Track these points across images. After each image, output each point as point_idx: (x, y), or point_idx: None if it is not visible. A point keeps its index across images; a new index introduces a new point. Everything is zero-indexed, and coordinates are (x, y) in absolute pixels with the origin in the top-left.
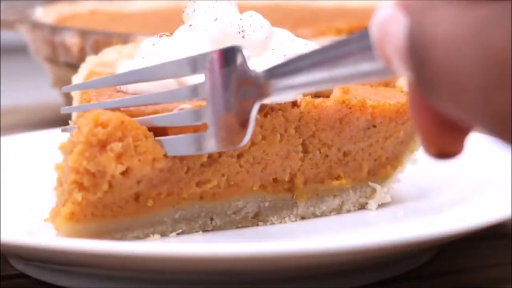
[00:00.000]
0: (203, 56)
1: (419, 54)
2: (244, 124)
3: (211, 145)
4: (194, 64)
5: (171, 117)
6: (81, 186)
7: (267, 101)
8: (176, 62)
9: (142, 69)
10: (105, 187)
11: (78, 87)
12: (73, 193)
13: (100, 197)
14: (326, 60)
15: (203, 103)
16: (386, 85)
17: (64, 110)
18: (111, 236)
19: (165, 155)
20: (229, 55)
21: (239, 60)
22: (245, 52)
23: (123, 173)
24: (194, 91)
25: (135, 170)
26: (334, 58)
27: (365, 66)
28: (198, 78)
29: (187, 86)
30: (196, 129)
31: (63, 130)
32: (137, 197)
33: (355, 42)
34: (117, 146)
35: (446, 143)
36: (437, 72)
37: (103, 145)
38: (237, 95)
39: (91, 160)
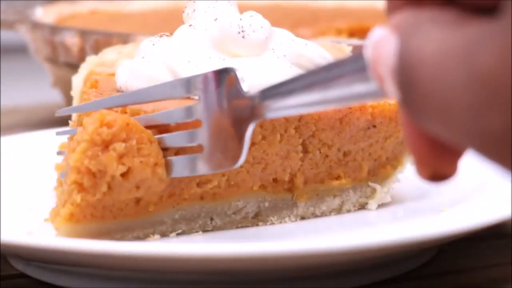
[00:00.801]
0: (197, 77)
1: (406, 74)
2: (238, 145)
3: (206, 166)
4: (188, 85)
5: (169, 137)
6: (80, 187)
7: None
8: (170, 83)
9: (137, 91)
10: (104, 188)
11: (73, 110)
12: (73, 194)
13: (99, 199)
14: (320, 82)
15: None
16: None
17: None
18: (111, 237)
19: None
20: (222, 76)
21: (232, 81)
22: (238, 73)
23: (123, 175)
24: (189, 111)
25: (135, 171)
26: (328, 80)
27: (359, 88)
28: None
29: (181, 107)
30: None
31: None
32: (137, 201)
33: (349, 64)
34: (120, 146)
35: (439, 166)
36: (424, 91)
37: (106, 145)
38: (231, 116)
39: (93, 159)
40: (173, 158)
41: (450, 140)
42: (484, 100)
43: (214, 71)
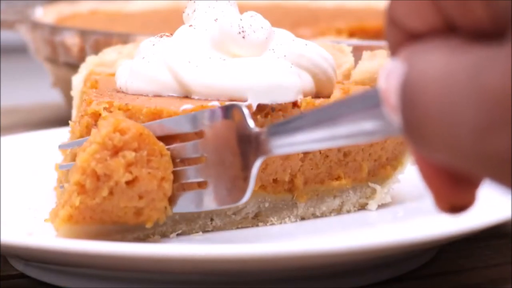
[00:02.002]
0: (203, 113)
1: (409, 98)
2: (244, 181)
3: (210, 203)
4: (194, 120)
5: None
6: (81, 189)
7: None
8: (175, 120)
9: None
10: (105, 192)
11: (73, 144)
12: (72, 196)
13: (98, 203)
14: (328, 119)
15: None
16: None
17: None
18: (111, 237)
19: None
20: (229, 112)
21: (239, 117)
22: (245, 109)
23: (128, 183)
24: (195, 147)
25: (141, 181)
26: (336, 117)
27: (368, 125)
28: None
29: (188, 143)
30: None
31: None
32: (137, 214)
33: (358, 100)
34: (130, 155)
35: (457, 198)
36: (427, 114)
37: (116, 151)
38: (237, 152)
39: (100, 162)
40: (177, 194)
41: (456, 167)
42: (489, 121)
43: (221, 106)
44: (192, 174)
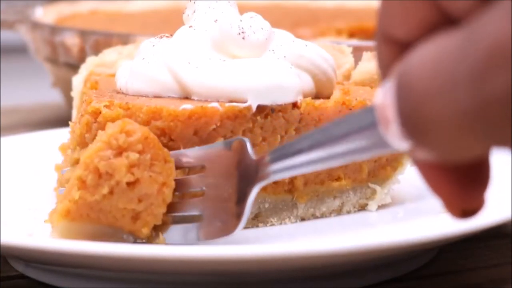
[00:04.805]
0: (206, 147)
1: (403, 91)
2: (239, 211)
3: (201, 236)
4: (196, 155)
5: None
6: (82, 184)
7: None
8: (180, 152)
9: None
10: (105, 190)
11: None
12: (72, 190)
13: (97, 200)
14: (327, 139)
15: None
16: None
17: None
18: (107, 239)
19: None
20: (231, 145)
21: (242, 148)
22: (247, 141)
23: (129, 184)
24: (195, 181)
25: (142, 184)
26: (335, 137)
27: (366, 142)
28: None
29: (190, 176)
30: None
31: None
32: (134, 219)
33: (354, 119)
34: (133, 156)
35: (467, 203)
36: (424, 96)
37: (120, 151)
38: (235, 183)
39: (104, 160)
40: (172, 226)
41: (457, 155)
42: (485, 64)
43: (224, 141)
44: (188, 207)
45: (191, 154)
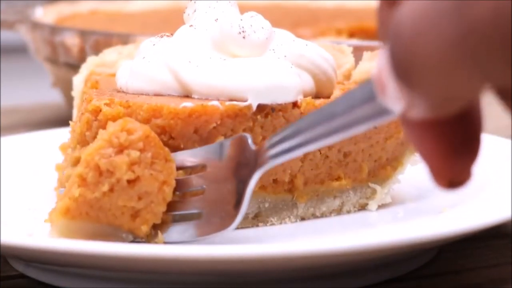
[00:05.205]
0: (212, 146)
1: (395, 34)
2: (238, 202)
3: (203, 232)
4: (196, 155)
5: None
6: (83, 182)
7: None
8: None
9: None
10: (105, 188)
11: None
12: (72, 188)
13: (97, 197)
14: (324, 116)
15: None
16: None
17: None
18: (106, 238)
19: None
20: (234, 143)
21: (243, 142)
22: (249, 139)
23: (130, 181)
24: (196, 179)
25: (142, 182)
26: (333, 112)
27: (364, 112)
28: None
29: (191, 176)
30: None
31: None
32: (133, 217)
33: (352, 94)
34: (134, 154)
35: (454, 173)
36: (413, 35)
37: (121, 149)
38: (236, 176)
39: (104, 157)
40: (170, 224)
41: (448, 100)
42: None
43: (226, 139)
44: (188, 206)
45: (192, 154)
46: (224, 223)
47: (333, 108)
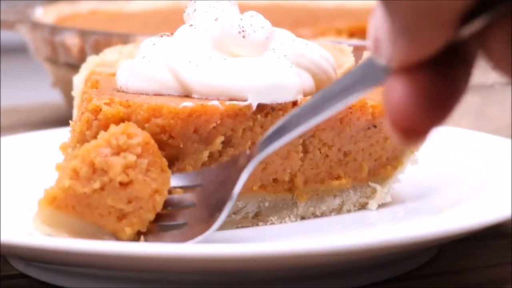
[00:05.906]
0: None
1: None
2: (225, 198)
3: (182, 238)
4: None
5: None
6: (75, 175)
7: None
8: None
9: None
10: (96, 185)
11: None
12: (64, 179)
13: (87, 193)
14: (317, 100)
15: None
16: None
17: None
18: (86, 237)
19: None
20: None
21: (240, 155)
22: (249, 152)
23: (122, 184)
24: (189, 196)
25: (135, 186)
26: (329, 90)
27: (360, 77)
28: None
29: (184, 194)
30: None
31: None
32: (120, 218)
33: (351, 75)
34: (131, 157)
35: (414, 123)
36: None
37: (119, 151)
38: (225, 171)
39: (100, 156)
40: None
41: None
42: None
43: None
44: (176, 218)
45: (190, 177)
46: (206, 227)
47: (324, 92)
